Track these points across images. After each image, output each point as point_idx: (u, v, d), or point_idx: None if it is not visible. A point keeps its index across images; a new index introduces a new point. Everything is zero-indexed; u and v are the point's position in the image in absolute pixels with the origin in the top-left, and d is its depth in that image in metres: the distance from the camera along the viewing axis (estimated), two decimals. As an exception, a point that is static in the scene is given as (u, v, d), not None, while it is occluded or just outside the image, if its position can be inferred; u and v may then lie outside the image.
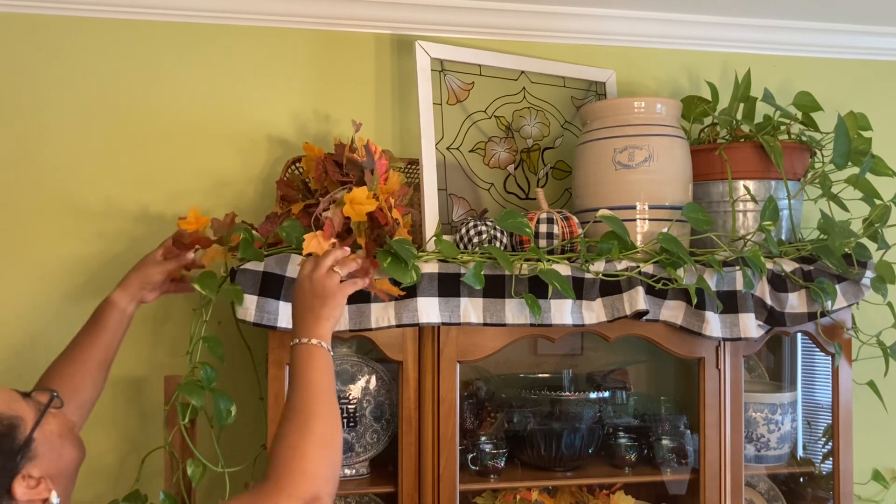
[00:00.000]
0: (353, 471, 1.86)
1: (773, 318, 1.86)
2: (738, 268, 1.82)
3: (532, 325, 1.72)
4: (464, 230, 1.81)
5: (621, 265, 1.77)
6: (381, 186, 1.67)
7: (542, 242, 1.80)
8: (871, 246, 1.95)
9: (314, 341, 1.43)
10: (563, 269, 1.74)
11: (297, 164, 1.95)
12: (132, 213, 1.97)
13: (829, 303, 1.85)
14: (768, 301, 1.85)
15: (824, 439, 2.09)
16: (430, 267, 1.70)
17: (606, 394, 2.06)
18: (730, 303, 1.82)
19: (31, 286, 1.93)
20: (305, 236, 1.58)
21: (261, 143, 2.03)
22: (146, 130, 1.98)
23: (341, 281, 1.50)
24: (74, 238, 1.95)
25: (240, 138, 2.02)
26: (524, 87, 2.08)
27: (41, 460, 1.24)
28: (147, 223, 1.97)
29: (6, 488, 1.19)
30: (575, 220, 1.84)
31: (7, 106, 1.92)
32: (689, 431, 2.01)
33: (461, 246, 1.81)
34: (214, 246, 1.72)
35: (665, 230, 1.81)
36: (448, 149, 1.98)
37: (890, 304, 1.94)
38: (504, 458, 1.90)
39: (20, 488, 1.20)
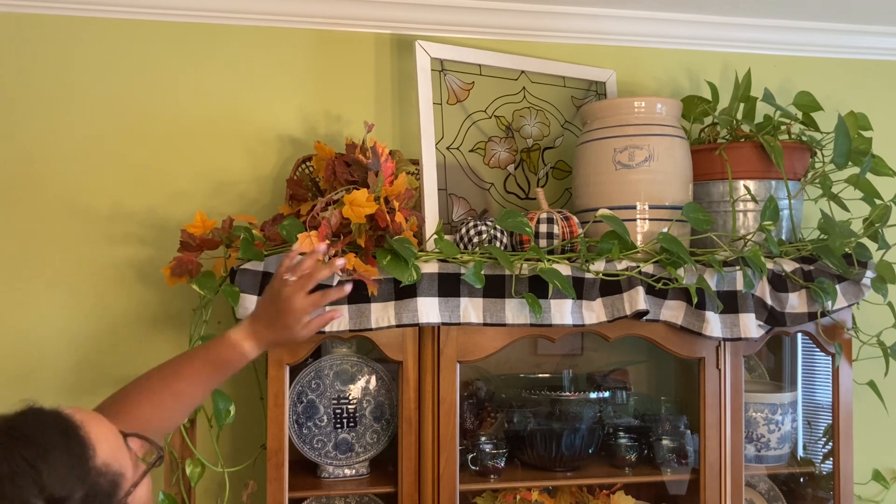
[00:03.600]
0: (353, 471, 1.86)
1: (773, 318, 1.86)
2: (738, 268, 1.82)
3: (532, 325, 1.72)
4: (464, 230, 1.81)
5: (621, 265, 1.77)
6: (387, 188, 1.66)
7: (543, 242, 1.80)
8: (872, 246, 1.95)
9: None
10: (564, 269, 1.74)
11: (308, 163, 1.94)
12: (139, 215, 1.97)
13: (830, 303, 1.85)
14: (768, 301, 1.85)
15: (824, 439, 2.09)
16: (430, 267, 1.70)
17: (606, 394, 2.06)
18: (730, 303, 1.82)
19: (40, 290, 1.92)
20: (299, 235, 1.58)
21: (263, 143, 2.03)
22: (150, 131, 1.98)
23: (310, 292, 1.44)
24: (83, 241, 1.94)
25: (243, 138, 2.02)
26: (524, 87, 2.08)
27: None
28: (154, 225, 1.97)
29: None
30: (575, 219, 1.84)
31: (9, 107, 1.92)
32: (689, 431, 2.01)
33: (461, 246, 1.81)
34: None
35: (665, 230, 1.81)
36: (448, 149, 1.98)
37: (890, 304, 1.93)
38: (504, 458, 1.90)
39: None
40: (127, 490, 1.01)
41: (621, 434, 2.01)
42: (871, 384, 2.02)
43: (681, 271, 1.77)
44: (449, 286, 1.70)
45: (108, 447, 1.01)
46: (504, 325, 1.72)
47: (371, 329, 1.68)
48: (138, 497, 1.05)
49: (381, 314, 1.68)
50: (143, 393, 1.36)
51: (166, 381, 1.38)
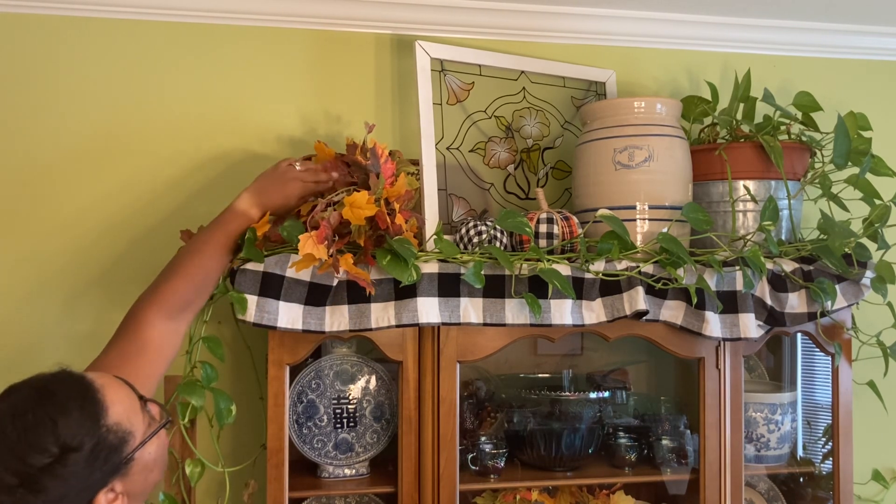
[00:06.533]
0: (353, 471, 1.86)
1: (773, 318, 1.86)
2: (738, 268, 1.82)
3: (532, 325, 1.72)
4: (464, 230, 1.81)
5: (621, 265, 1.77)
6: (387, 189, 1.66)
7: (542, 242, 1.80)
8: (871, 246, 1.95)
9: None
10: (563, 269, 1.74)
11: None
12: (139, 216, 1.97)
13: (829, 303, 1.85)
14: (768, 301, 1.85)
15: (824, 439, 2.09)
16: (430, 267, 1.70)
17: (606, 394, 2.07)
18: (730, 303, 1.82)
19: (37, 294, 1.93)
20: (300, 237, 1.58)
21: (263, 143, 2.03)
22: (150, 132, 1.98)
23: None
24: (82, 242, 1.94)
25: (243, 138, 2.02)
26: (524, 87, 2.08)
27: (129, 479, 1.22)
28: (155, 226, 1.97)
29: (90, 498, 1.19)
30: (575, 220, 1.84)
31: (6, 108, 1.92)
32: (689, 431, 2.01)
33: (461, 246, 1.81)
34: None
35: (665, 230, 1.81)
36: (448, 149, 1.98)
37: (890, 304, 1.94)
38: (504, 458, 1.90)
39: (102, 500, 1.20)
40: (134, 447, 1.22)
41: (621, 434, 2.01)
42: (871, 384, 2.02)
43: (680, 271, 1.77)
44: (449, 286, 1.70)
45: (122, 408, 1.22)
46: (504, 325, 1.72)
47: (371, 329, 1.68)
48: (147, 454, 1.24)
49: (381, 314, 1.68)
50: (178, 276, 1.60)
51: (194, 260, 1.61)
